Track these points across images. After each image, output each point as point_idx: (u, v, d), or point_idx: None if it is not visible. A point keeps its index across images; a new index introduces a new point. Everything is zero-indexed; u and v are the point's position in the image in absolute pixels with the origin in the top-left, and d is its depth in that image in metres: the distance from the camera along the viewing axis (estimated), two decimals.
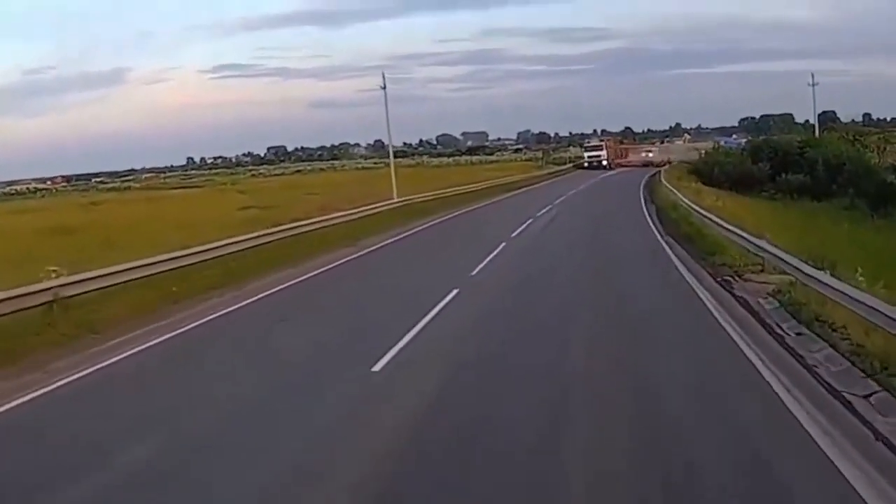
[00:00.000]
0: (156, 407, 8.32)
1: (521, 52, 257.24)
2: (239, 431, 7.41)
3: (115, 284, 15.19)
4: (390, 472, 6.35)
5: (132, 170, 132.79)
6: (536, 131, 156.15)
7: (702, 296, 13.12)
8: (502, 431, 7.04)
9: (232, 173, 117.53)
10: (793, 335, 10.18)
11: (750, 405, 7.55)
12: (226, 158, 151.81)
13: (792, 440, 6.65)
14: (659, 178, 48.41)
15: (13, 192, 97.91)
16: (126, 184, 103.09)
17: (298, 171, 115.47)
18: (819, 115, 73.23)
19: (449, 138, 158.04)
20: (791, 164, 51.98)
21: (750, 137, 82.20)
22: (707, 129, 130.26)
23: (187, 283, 15.84)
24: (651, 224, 25.69)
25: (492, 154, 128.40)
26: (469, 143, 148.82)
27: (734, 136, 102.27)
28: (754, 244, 15.17)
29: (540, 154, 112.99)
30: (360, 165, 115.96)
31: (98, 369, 10.05)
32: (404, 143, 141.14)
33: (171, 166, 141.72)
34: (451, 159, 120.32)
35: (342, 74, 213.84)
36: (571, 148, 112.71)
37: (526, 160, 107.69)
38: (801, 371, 8.58)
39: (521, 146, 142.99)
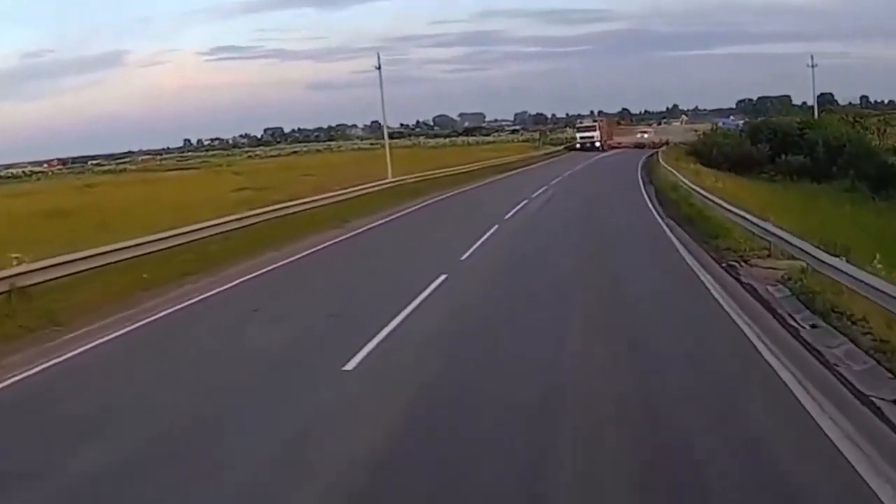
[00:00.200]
0: (100, 409, 7.50)
1: (519, 34, 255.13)
2: (169, 456, 6.35)
3: (83, 271, 14.38)
4: None
5: (129, 152, 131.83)
6: (533, 112, 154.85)
7: (706, 282, 12.29)
8: (486, 460, 5.91)
9: (228, 155, 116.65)
10: (807, 327, 9.34)
11: (768, 411, 6.71)
12: (223, 140, 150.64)
13: (817, 453, 5.83)
14: (657, 159, 47.60)
15: (9, 175, 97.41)
16: (122, 166, 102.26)
17: (295, 152, 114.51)
18: (817, 97, 72.63)
19: (446, 119, 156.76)
20: (791, 145, 51.40)
21: (747, 119, 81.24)
22: (704, 110, 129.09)
23: (161, 268, 14.96)
24: (650, 205, 24.83)
25: (488, 135, 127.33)
26: (466, 124, 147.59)
27: (731, 117, 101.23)
28: (761, 227, 14.30)
29: (537, 135, 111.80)
30: (356, 146, 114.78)
31: (53, 365, 9.19)
32: (401, 125, 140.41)
33: (168, 148, 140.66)
34: (447, 140, 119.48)
35: (339, 56, 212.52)
36: (568, 129, 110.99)
37: (523, 141, 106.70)
38: (820, 370, 7.75)
39: (517, 127, 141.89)
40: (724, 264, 13.65)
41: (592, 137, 79.45)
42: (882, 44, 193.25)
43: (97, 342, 10.13)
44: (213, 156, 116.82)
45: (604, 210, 23.90)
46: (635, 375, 7.81)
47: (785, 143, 51.87)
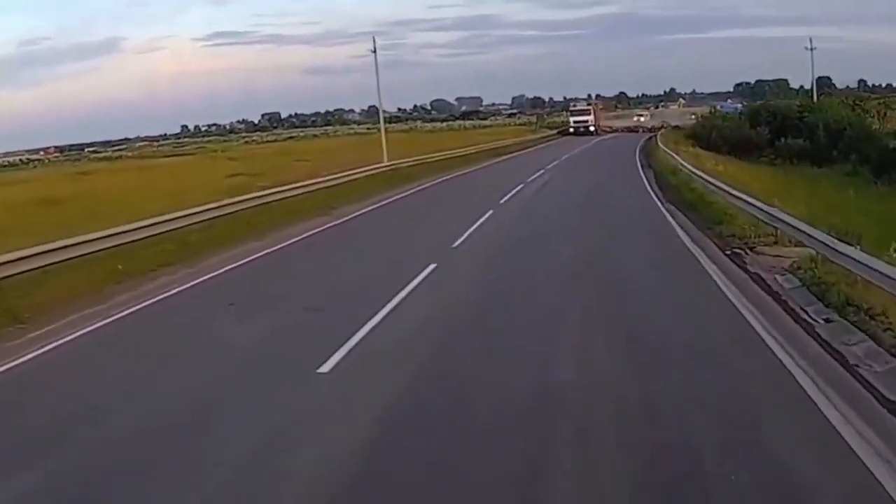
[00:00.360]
0: (56, 417, 6.82)
1: (516, 18, 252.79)
2: (129, 465, 5.78)
3: (55, 263, 13.67)
4: None
5: (126, 139, 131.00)
6: (531, 96, 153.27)
7: (710, 272, 11.59)
8: (473, 488, 5.16)
9: (225, 141, 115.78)
10: (822, 322, 8.66)
11: (787, 422, 6.01)
12: (220, 126, 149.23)
13: (845, 475, 5.15)
14: (656, 142, 46.87)
15: (6, 163, 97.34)
16: (118, 153, 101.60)
17: (291, 137, 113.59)
18: (815, 80, 71.67)
19: (443, 103, 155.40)
20: (790, 128, 50.70)
21: (744, 102, 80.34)
22: (702, 93, 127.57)
23: (138, 259, 14.26)
24: (650, 190, 24.09)
25: (486, 119, 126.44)
26: (463, 108, 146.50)
27: (729, 100, 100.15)
28: (767, 213, 13.56)
29: (534, 119, 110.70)
30: (353, 131, 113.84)
31: (11, 367, 8.50)
32: (399, 109, 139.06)
33: (165, 135, 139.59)
34: (444, 124, 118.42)
35: (336, 41, 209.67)
36: (565, 112, 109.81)
37: (520, 125, 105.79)
38: (839, 372, 7.05)
39: (515, 111, 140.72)
40: (728, 252, 12.96)
41: (587, 121, 76.91)
42: (879, 27, 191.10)
43: (60, 341, 9.44)
44: (209, 142, 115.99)
45: (602, 195, 23.11)
46: (637, 377, 7.12)
47: (785, 127, 51.18)
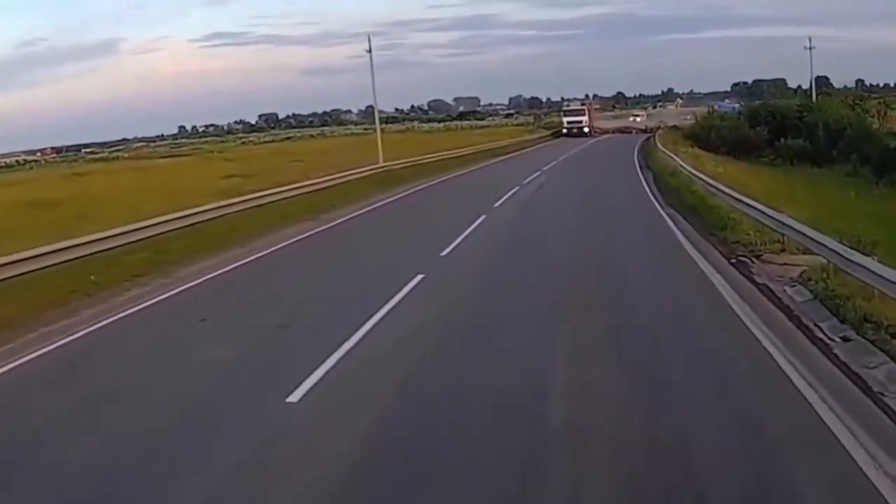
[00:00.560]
0: None
1: (513, 18, 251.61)
2: None
3: (24, 274, 12.99)
4: None
5: (124, 140, 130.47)
6: (528, 96, 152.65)
7: (714, 282, 10.91)
8: None
9: (222, 141, 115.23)
10: (838, 341, 7.97)
11: (811, 467, 5.32)
12: (217, 126, 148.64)
13: None
14: (654, 143, 46.26)
15: (3, 164, 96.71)
16: (114, 154, 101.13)
17: (288, 138, 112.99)
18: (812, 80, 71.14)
19: (441, 104, 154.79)
20: (790, 128, 50.15)
21: (742, 102, 79.73)
22: (699, 93, 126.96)
23: (113, 268, 13.57)
24: (649, 193, 23.37)
25: (483, 119, 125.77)
26: (461, 108, 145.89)
27: (726, 100, 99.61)
28: (775, 220, 12.86)
29: (531, 119, 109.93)
30: (349, 132, 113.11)
31: None
32: (396, 109, 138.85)
33: (163, 136, 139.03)
34: (441, 125, 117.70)
35: (334, 41, 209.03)
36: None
37: (517, 125, 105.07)
38: (862, 401, 6.36)
39: (512, 111, 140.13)
40: (733, 260, 12.27)
41: (581, 122, 73.56)
42: (877, 27, 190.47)
43: (15, 363, 8.68)
44: (206, 142, 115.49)
45: (600, 199, 22.36)
46: (641, 414, 6.33)
47: (784, 127, 50.63)
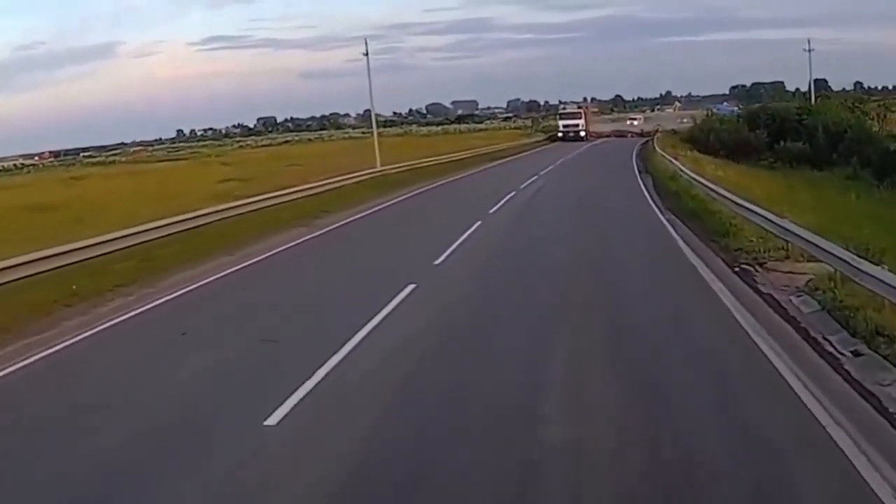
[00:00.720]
0: None
1: (511, 21, 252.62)
2: None
3: (4, 284, 12.59)
4: None
5: (122, 143, 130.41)
6: (527, 99, 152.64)
7: (717, 290, 10.53)
8: None
9: (219, 145, 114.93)
10: (849, 355, 7.59)
11: (824, 494, 4.95)
12: (216, 130, 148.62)
13: None
14: (653, 147, 45.96)
15: (1, 168, 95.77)
16: (112, 158, 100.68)
17: (286, 141, 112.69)
18: (811, 83, 70.94)
19: (439, 107, 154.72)
20: (789, 131, 49.84)
21: (741, 105, 79.42)
22: (697, 96, 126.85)
23: (96, 277, 13.15)
24: (649, 198, 22.98)
25: (481, 122, 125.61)
26: (459, 111, 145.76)
27: (725, 103, 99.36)
28: (779, 225, 12.46)
29: (530, 122, 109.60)
30: (347, 135, 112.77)
31: None
32: (394, 113, 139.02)
33: (161, 139, 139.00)
34: (439, 128, 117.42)
35: (332, 45, 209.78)
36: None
37: (515, 128, 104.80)
38: (878, 421, 5.97)
39: (510, 115, 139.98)
40: (736, 268, 11.89)
41: (577, 126, 71.39)
42: (876, 30, 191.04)
43: None
44: (204, 146, 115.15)
45: (598, 204, 21.97)
46: (644, 439, 5.90)
47: (783, 129, 50.34)
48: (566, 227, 17.79)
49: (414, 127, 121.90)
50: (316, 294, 11.89)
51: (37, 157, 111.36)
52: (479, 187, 30.63)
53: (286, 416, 6.47)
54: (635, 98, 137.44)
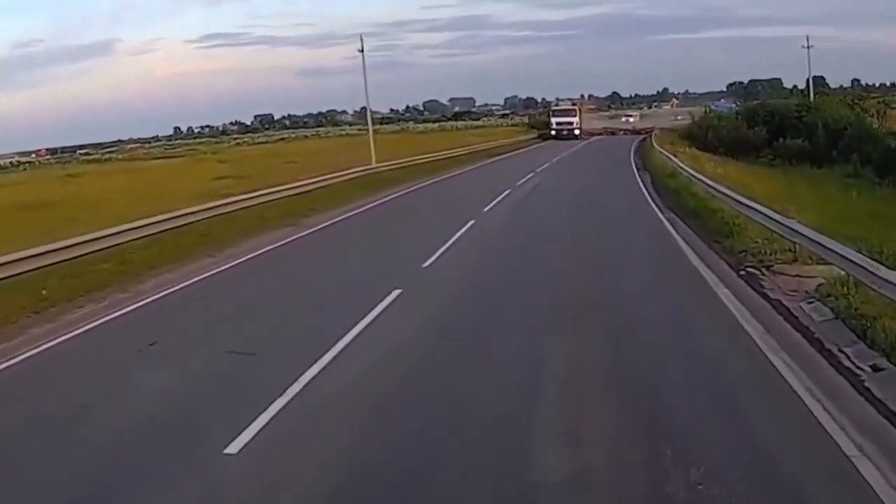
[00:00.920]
0: None
1: (508, 18, 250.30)
2: None
3: None
4: None
5: (119, 141, 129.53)
6: (524, 97, 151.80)
7: (722, 296, 9.92)
8: None
9: (216, 142, 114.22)
10: (868, 370, 6.98)
11: None
12: (213, 127, 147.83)
13: None
14: (651, 143, 45.41)
15: None
16: (108, 155, 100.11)
17: (283, 139, 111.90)
18: (808, 80, 70.43)
19: (436, 104, 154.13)
20: (789, 128, 49.43)
21: (738, 102, 78.90)
22: (695, 93, 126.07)
23: (69, 281, 12.49)
24: (647, 195, 22.37)
25: (478, 119, 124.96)
26: (456, 108, 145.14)
27: (722, 100, 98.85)
28: (786, 226, 11.81)
29: (527, 119, 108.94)
30: (344, 132, 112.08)
31: None
32: (391, 110, 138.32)
33: (157, 136, 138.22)
34: (436, 125, 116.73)
35: (330, 42, 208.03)
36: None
37: (512, 125, 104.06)
38: None
39: (508, 112, 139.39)
40: (742, 272, 11.27)
41: (571, 124, 69.19)
42: (873, 27, 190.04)
43: None
44: (201, 143, 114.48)
45: (595, 203, 21.29)
46: (652, 472, 5.29)
47: (783, 127, 49.90)
48: (562, 227, 17.15)
49: (411, 124, 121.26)
50: (293, 300, 11.16)
51: (33, 155, 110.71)
52: (474, 184, 30.03)
53: (249, 442, 5.82)
54: (632, 95, 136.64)
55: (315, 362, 7.58)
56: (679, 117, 69.44)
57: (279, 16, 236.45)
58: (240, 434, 5.91)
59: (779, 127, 50.05)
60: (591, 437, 5.83)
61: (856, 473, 5.02)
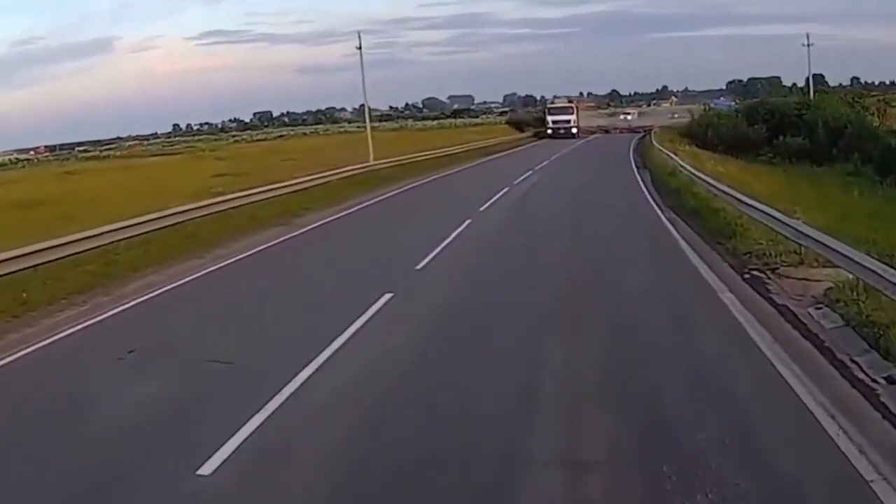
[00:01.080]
0: None
1: (507, 16, 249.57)
2: None
3: None
4: None
5: (118, 138, 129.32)
6: (523, 94, 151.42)
7: (727, 301, 9.53)
8: None
9: (215, 140, 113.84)
10: (883, 383, 6.59)
11: None
12: (212, 125, 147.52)
13: None
14: (650, 141, 45.08)
15: None
16: (106, 152, 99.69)
17: (282, 136, 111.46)
18: (808, 78, 70.20)
19: (435, 102, 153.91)
20: (788, 126, 49.11)
21: (737, 100, 78.57)
22: (694, 91, 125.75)
23: (50, 284, 12.08)
24: (648, 195, 21.97)
25: (477, 117, 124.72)
26: (455, 106, 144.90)
27: (721, 98, 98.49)
28: (793, 228, 11.41)
29: (517, 117, 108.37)
30: (343, 130, 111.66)
31: None
32: (390, 107, 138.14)
33: (157, 134, 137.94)
34: (435, 122, 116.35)
35: (329, 39, 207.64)
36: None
37: None
38: None
39: (507, 109, 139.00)
40: (746, 275, 10.88)
41: (568, 122, 67.17)
42: (872, 25, 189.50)
43: None
44: (199, 140, 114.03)
45: (594, 202, 20.90)
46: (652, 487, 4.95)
47: (783, 125, 49.61)
48: (561, 227, 16.77)
49: (410, 121, 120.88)
50: (279, 305, 10.66)
51: (32, 152, 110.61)
52: (471, 182, 29.70)
53: (223, 462, 5.41)
54: (632, 93, 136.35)
55: (297, 374, 7.17)
56: (677, 115, 69.03)
57: (278, 13, 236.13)
58: (214, 453, 5.51)
59: (779, 125, 49.77)
60: (589, 458, 5.46)
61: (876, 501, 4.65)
